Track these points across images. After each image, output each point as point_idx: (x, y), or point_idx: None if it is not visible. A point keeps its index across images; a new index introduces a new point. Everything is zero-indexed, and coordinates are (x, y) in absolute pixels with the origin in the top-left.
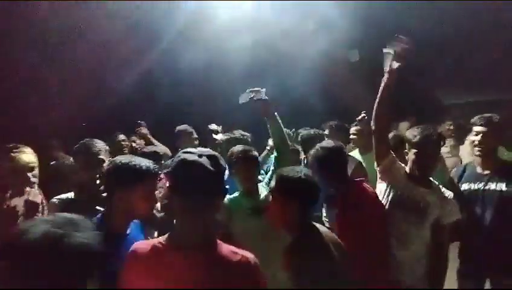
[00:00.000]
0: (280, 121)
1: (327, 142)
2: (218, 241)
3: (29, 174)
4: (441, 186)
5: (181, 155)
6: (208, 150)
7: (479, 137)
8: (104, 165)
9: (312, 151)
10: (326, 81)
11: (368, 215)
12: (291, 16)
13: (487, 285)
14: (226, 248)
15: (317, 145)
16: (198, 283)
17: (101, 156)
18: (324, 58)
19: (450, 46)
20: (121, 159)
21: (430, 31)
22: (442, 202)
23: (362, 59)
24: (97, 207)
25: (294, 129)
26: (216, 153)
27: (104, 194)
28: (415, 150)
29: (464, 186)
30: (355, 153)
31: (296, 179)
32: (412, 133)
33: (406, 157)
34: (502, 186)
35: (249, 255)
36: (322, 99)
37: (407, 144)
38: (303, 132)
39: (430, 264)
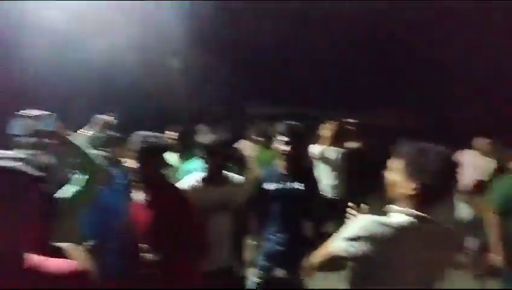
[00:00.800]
0: (79, 144)
1: (156, 137)
2: (35, 254)
3: None
4: (232, 175)
5: None
6: (13, 153)
7: (284, 144)
8: None
9: (141, 145)
10: (150, 85)
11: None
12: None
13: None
14: (39, 260)
15: (145, 139)
16: None
17: None
18: (149, 62)
19: (257, 60)
20: None
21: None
22: (236, 189)
23: (187, 65)
24: None
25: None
26: (26, 155)
27: None
28: (207, 154)
29: (267, 186)
30: (172, 156)
31: None
32: (203, 139)
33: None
34: (296, 185)
35: (68, 265)
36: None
37: (201, 149)
38: None
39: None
